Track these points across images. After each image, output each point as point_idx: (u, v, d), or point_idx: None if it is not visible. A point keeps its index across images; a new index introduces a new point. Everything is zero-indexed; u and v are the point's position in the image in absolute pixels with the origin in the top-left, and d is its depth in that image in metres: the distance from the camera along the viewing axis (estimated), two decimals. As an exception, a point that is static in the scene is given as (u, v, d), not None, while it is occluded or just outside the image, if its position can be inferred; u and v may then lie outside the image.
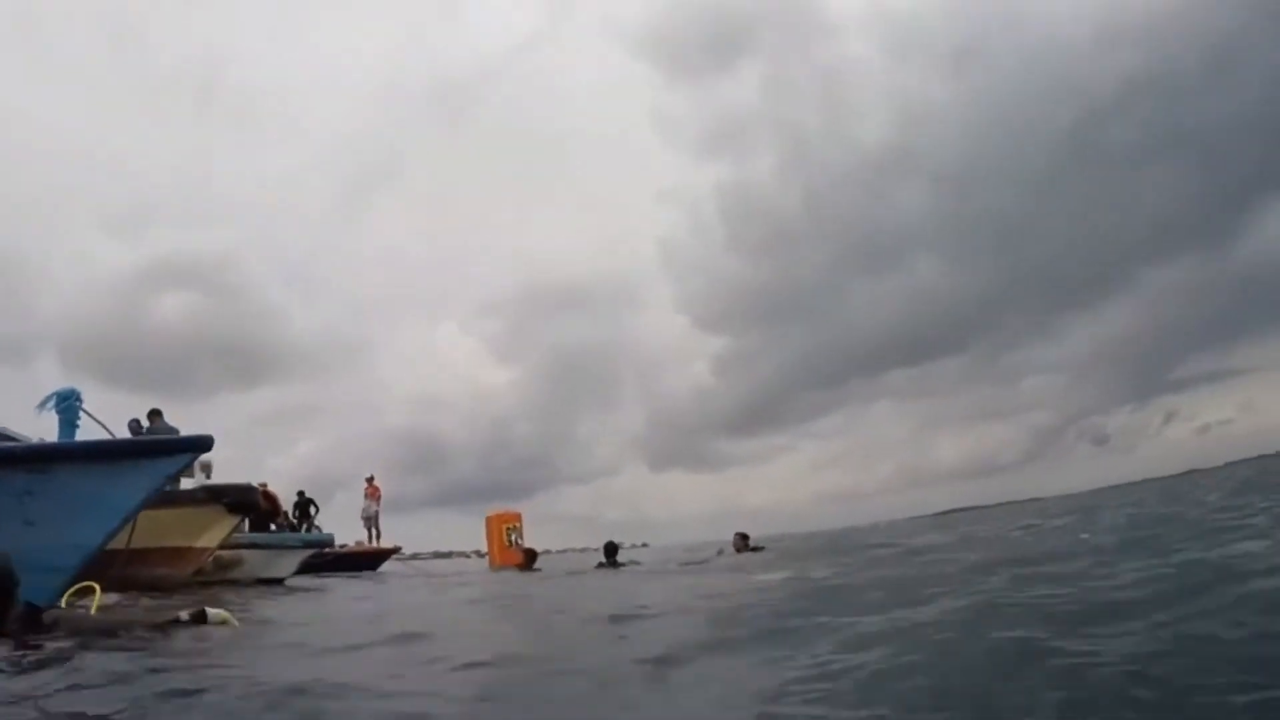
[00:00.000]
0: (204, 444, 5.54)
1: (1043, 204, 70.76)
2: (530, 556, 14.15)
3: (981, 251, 72.63)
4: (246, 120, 79.46)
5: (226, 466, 10.39)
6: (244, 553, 10.60)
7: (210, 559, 9.48)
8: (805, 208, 74.06)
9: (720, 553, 13.39)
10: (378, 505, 19.40)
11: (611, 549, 12.97)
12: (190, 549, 8.59)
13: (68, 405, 5.62)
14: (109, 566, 5.59)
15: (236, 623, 4.35)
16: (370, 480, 19.61)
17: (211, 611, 4.26)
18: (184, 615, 4.19)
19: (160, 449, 5.51)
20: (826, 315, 77.78)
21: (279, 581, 10.85)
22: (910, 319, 71.88)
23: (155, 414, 9.83)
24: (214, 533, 8.98)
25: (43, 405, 5.63)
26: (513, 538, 17.51)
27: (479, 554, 23.27)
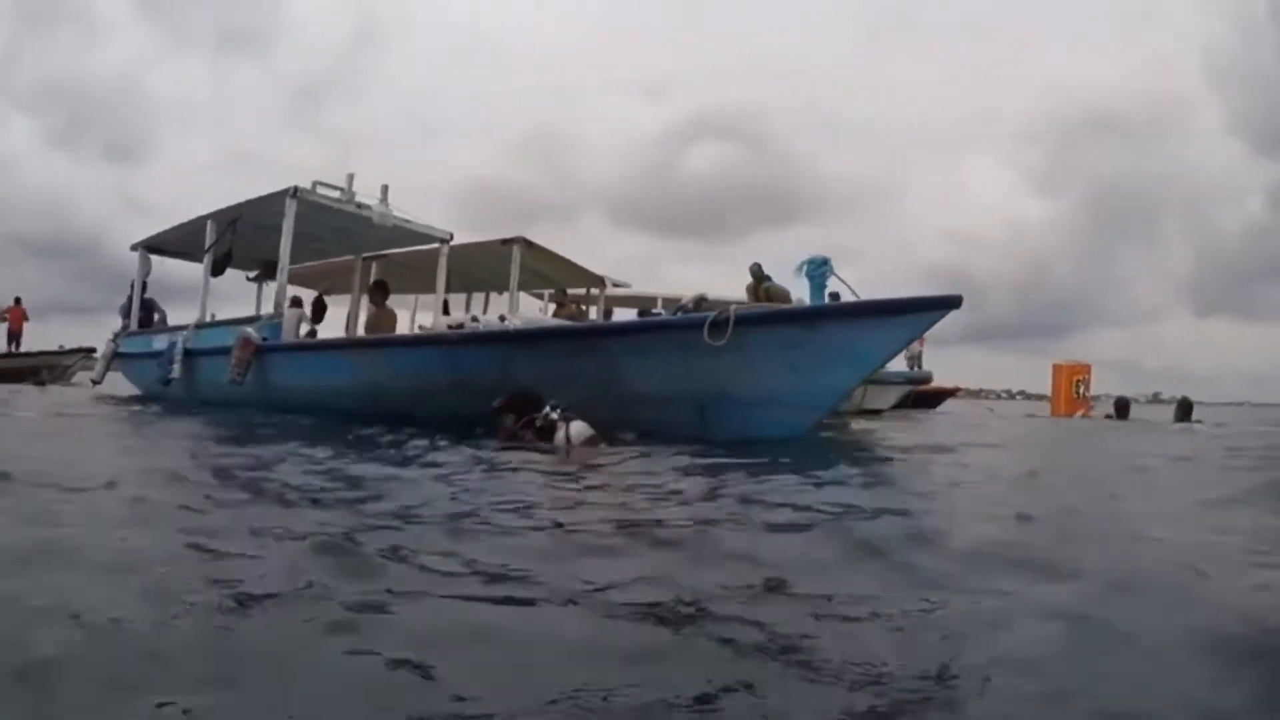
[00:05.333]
0: (955, 302, 5.64)
1: None
2: (1121, 407, 12.95)
3: None
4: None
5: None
6: (852, 386, 11.25)
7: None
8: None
9: None
10: (920, 346, 19.81)
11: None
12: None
13: (818, 271, 6.17)
14: None
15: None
16: (915, 324, 20.02)
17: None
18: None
19: (913, 307, 5.69)
20: None
21: (877, 413, 11.46)
22: None
23: (759, 271, 10.63)
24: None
25: (798, 270, 6.25)
26: (1080, 390, 16.67)
27: (1010, 394, 22.51)
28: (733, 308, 5.69)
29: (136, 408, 8.33)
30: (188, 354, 8.30)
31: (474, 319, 6.77)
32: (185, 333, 8.51)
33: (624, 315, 12.58)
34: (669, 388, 5.69)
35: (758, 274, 10.61)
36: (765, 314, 5.77)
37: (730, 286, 12.10)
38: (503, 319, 6.21)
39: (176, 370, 8.26)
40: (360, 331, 8.80)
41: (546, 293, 11.55)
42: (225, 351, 7.59)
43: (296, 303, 10.09)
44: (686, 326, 5.81)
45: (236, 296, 11.04)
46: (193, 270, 10.45)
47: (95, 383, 10.52)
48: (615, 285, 11.28)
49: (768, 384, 5.63)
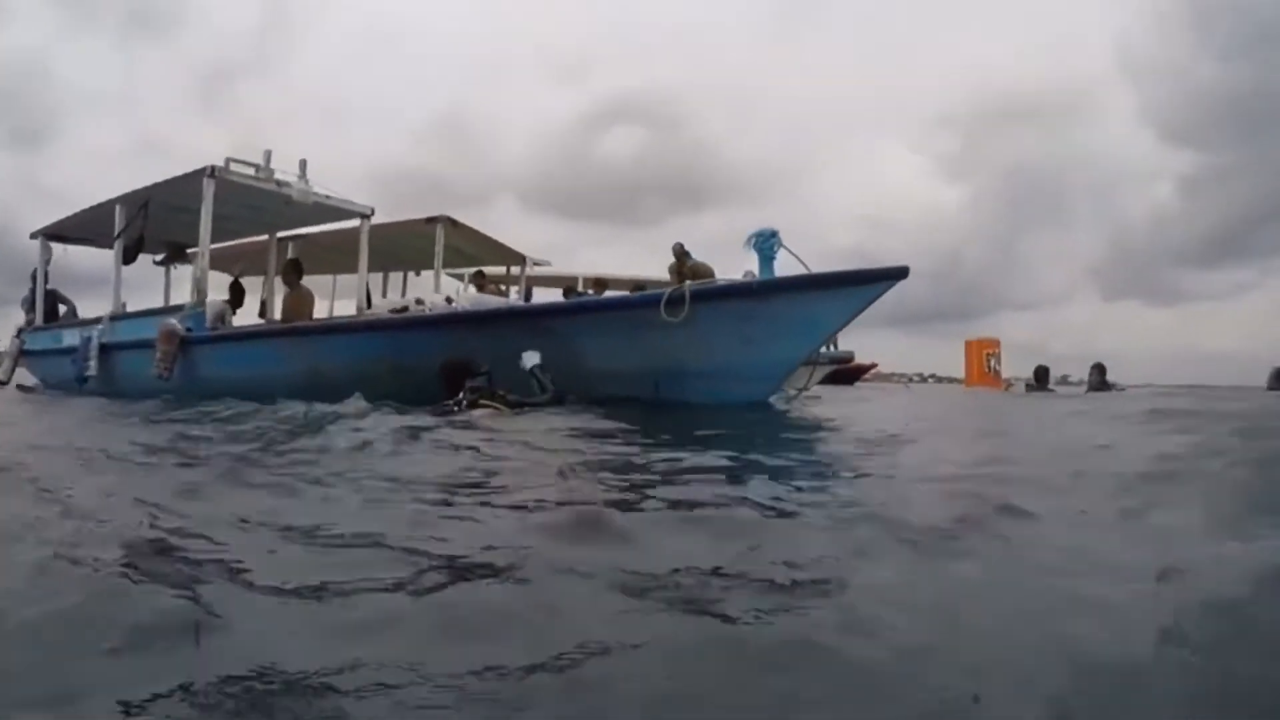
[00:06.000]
0: (901, 273, 5.78)
1: None
2: (1040, 375, 13.32)
3: None
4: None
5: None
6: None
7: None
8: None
9: None
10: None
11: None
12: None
13: (767, 244, 6.15)
14: None
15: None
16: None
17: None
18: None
19: (862, 278, 5.79)
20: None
21: (804, 389, 11.69)
22: None
23: (682, 250, 10.53)
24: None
25: (747, 243, 6.21)
26: (991, 363, 17.40)
27: (921, 377, 23.45)
28: (687, 283, 5.67)
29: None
30: (104, 349, 7.82)
31: (418, 301, 6.54)
32: (99, 326, 8.00)
33: (545, 295, 12.38)
34: (624, 365, 5.72)
35: (680, 253, 10.54)
36: (719, 289, 5.77)
37: (649, 267, 12.12)
38: (450, 301, 6.02)
39: (93, 367, 7.78)
40: (277, 315, 8.44)
41: (466, 272, 11.28)
42: (146, 345, 7.19)
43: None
44: (640, 304, 5.78)
45: (146, 284, 10.46)
46: (96, 257, 9.90)
47: (2, 383, 9.80)
48: (536, 264, 11.10)
49: (721, 357, 5.71)
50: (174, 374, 6.86)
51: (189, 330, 6.98)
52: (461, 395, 4.82)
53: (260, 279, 9.61)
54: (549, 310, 6.54)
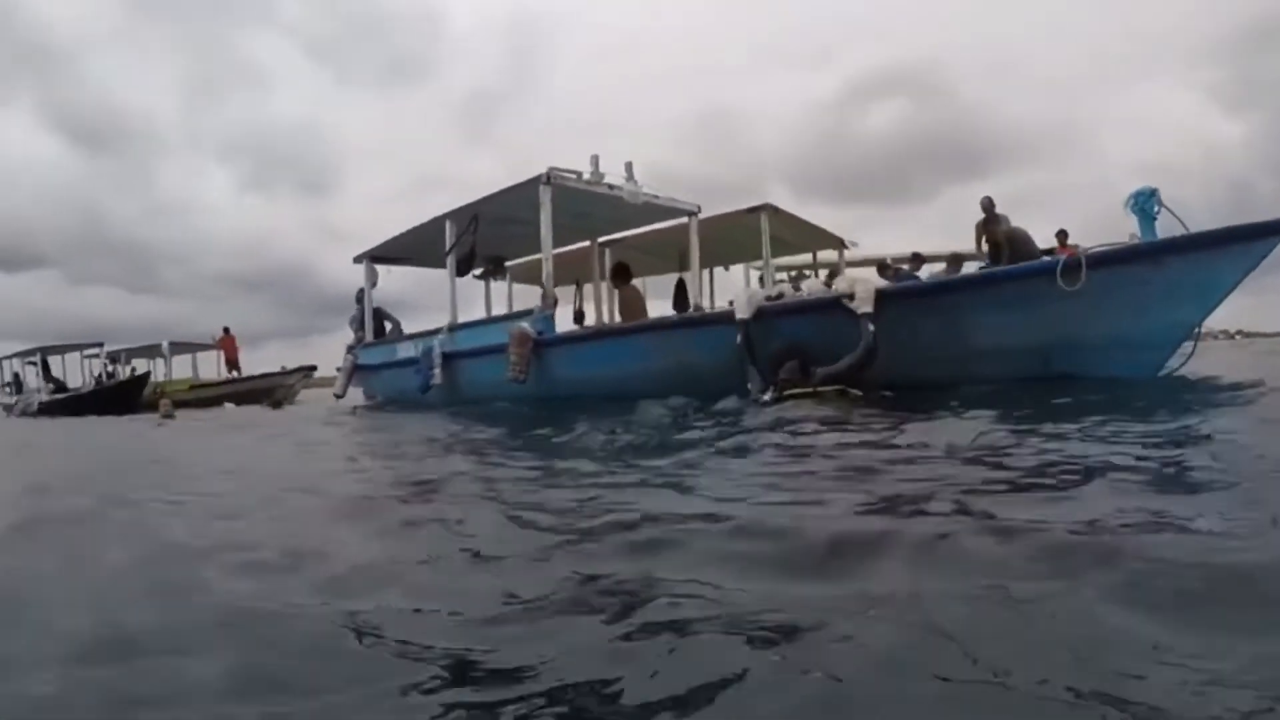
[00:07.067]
0: None
1: None
2: None
3: None
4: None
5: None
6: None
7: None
8: None
9: None
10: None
11: None
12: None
13: (1148, 203, 5.84)
14: None
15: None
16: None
17: None
18: None
19: (1254, 234, 5.35)
20: None
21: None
22: None
23: (990, 204, 10.01)
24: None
25: (1126, 204, 5.92)
26: None
27: (1228, 334, 21.49)
28: (1081, 249, 5.44)
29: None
30: (445, 358, 8.40)
31: (795, 288, 6.60)
32: (440, 336, 8.59)
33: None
34: (1013, 340, 5.50)
35: (988, 206, 9.83)
36: (1115, 253, 5.47)
37: (935, 244, 11.84)
38: (828, 284, 6.01)
39: (438, 376, 8.35)
40: (618, 317, 8.68)
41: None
42: (488, 351, 7.62)
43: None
44: (1033, 274, 5.59)
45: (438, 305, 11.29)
46: (397, 278, 10.85)
47: (338, 396, 10.70)
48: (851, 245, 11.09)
49: (1115, 327, 5.41)
50: (528, 377, 7.23)
51: (540, 333, 7.36)
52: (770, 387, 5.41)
53: (569, 289, 10.09)
54: (937, 287, 6.41)
